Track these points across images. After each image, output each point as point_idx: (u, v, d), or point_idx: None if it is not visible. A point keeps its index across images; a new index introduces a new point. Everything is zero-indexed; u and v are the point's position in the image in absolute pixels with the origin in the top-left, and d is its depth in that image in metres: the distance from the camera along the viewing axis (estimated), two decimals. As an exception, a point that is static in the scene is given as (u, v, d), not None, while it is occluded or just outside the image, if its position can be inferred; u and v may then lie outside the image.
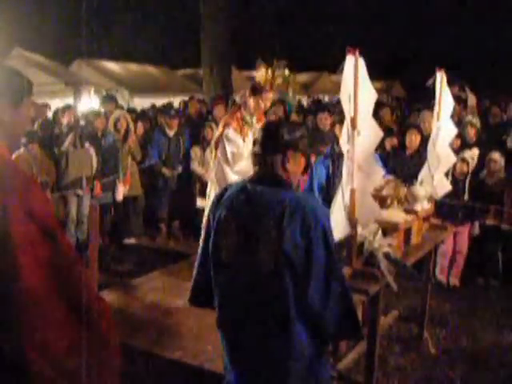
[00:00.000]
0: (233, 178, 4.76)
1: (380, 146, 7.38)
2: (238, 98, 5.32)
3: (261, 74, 4.76)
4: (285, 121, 2.91)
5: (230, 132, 4.94)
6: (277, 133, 2.62)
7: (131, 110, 11.32)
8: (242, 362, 2.71)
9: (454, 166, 6.58)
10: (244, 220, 2.58)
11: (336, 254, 2.57)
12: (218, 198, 2.74)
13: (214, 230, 2.69)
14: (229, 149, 4.92)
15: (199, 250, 2.88)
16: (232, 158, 4.89)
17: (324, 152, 6.16)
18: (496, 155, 7.21)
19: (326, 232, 2.51)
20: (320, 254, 2.48)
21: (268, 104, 5.06)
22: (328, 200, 5.15)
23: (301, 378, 2.62)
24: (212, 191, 5.12)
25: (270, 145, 2.62)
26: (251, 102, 4.96)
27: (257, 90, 4.96)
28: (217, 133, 5.27)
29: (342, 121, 5.40)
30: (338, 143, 5.53)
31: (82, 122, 8.70)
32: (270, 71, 4.75)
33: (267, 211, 2.51)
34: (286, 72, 4.63)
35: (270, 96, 5.01)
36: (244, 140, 5.01)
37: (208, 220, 2.80)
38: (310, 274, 2.46)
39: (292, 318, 2.51)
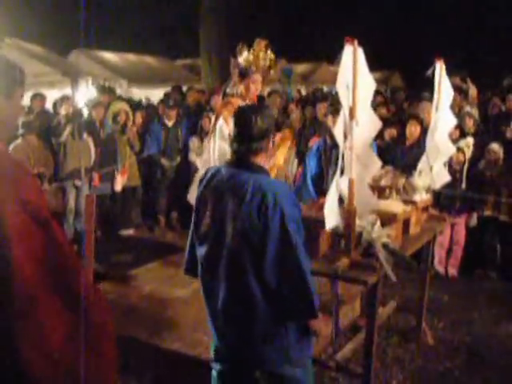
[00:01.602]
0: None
1: (379, 136, 7.38)
2: (228, 89, 5.29)
3: (244, 57, 4.75)
4: (256, 106, 3.02)
5: (220, 124, 4.92)
6: (250, 121, 2.77)
7: (129, 100, 11.27)
8: (217, 330, 2.89)
9: (451, 156, 6.56)
10: (216, 199, 2.78)
11: (297, 239, 2.65)
12: (201, 179, 2.96)
13: (195, 208, 2.96)
14: (217, 141, 4.92)
15: (191, 227, 3.08)
16: (218, 150, 4.88)
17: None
18: (495, 146, 7.20)
19: (284, 214, 2.62)
20: (275, 235, 2.61)
21: (259, 86, 5.01)
22: (320, 191, 5.15)
23: (262, 348, 2.76)
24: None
25: (244, 133, 2.79)
26: (241, 87, 4.93)
27: (244, 74, 4.92)
28: (211, 124, 5.28)
29: (334, 111, 5.39)
30: (330, 134, 5.51)
31: (84, 112, 8.66)
32: (251, 53, 4.75)
33: (234, 192, 2.70)
34: (270, 53, 4.61)
35: (258, 77, 4.96)
36: None
37: (196, 198, 3.01)
38: (265, 252, 2.62)
39: (253, 293, 2.67)
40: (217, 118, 5.02)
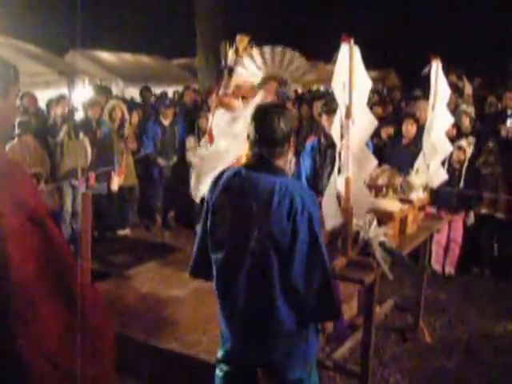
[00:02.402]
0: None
1: (376, 135, 7.38)
2: (220, 91, 5.29)
3: (229, 56, 4.78)
4: (278, 109, 2.93)
5: (219, 113, 4.92)
6: (273, 125, 2.69)
7: (125, 100, 11.26)
8: (235, 334, 2.87)
9: (451, 155, 6.56)
10: (237, 203, 2.71)
11: (322, 241, 2.66)
12: (215, 182, 2.87)
13: (211, 212, 2.83)
14: (227, 127, 4.91)
15: (199, 229, 3.01)
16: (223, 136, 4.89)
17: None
18: (491, 144, 7.20)
19: (312, 218, 2.62)
20: (304, 239, 2.60)
21: (246, 82, 5.04)
22: (315, 191, 5.14)
23: (286, 355, 2.76)
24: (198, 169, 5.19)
25: (268, 137, 2.71)
26: (232, 86, 4.94)
27: (232, 71, 4.95)
28: (209, 122, 5.27)
29: (328, 110, 5.38)
30: (324, 134, 5.51)
31: (81, 112, 8.63)
32: (235, 50, 4.78)
33: (258, 195, 2.63)
34: (254, 49, 4.66)
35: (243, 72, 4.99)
36: (236, 120, 5.00)
37: (206, 202, 2.92)
38: (294, 257, 2.59)
39: (277, 296, 2.65)
40: (215, 108, 5.02)
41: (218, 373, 3.03)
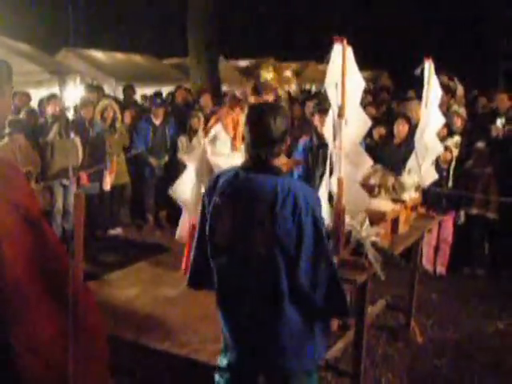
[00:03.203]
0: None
1: (368, 135, 7.39)
2: (238, 93, 5.30)
3: (269, 76, 4.80)
4: (273, 107, 2.89)
5: (218, 128, 4.93)
6: (270, 124, 2.65)
7: (117, 99, 11.23)
8: (241, 341, 2.81)
9: (438, 155, 6.58)
10: (238, 205, 2.66)
11: (326, 238, 2.66)
12: (212, 184, 2.82)
13: (209, 215, 2.77)
14: (211, 145, 4.93)
15: (196, 234, 2.96)
16: (211, 153, 4.90)
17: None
18: (481, 144, 7.23)
19: (316, 217, 2.60)
20: (310, 238, 2.58)
21: None
22: None
23: (295, 355, 2.73)
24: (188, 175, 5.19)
25: (265, 137, 2.67)
26: (252, 99, 4.94)
27: (258, 91, 4.94)
28: (209, 124, 5.29)
29: (320, 110, 5.40)
30: (316, 134, 5.52)
31: (72, 111, 8.60)
32: (275, 74, 4.80)
33: (260, 197, 2.59)
34: (289, 73, 4.66)
35: (269, 98, 4.98)
36: (235, 138, 5.02)
37: (203, 207, 2.86)
38: (300, 257, 2.57)
39: (284, 297, 2.62)
40: (216, 122, 5.03)
41: (219, 379, 2.99)
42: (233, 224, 2.68)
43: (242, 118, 4.90)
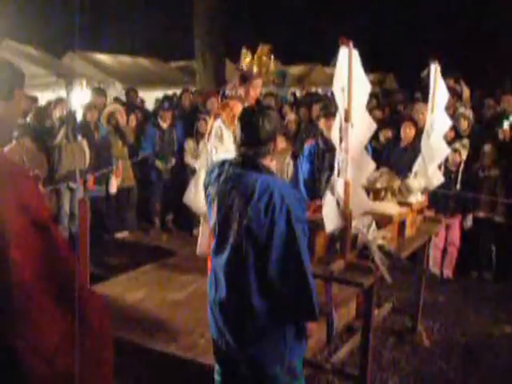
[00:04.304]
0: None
1: (374, 138, 7.39)
2: (227, 90, 5.28)
3: (247, 61, 4.76)
4: (262, 109, 3.03)
5: (218, 124, 4.91)
6: (258, 125, 2.80)
7: (123, 103, 11.27)
8: (214, 329, 2.93)
9: (447, 157, 6.57)
10: (222, 197, 2.81)
11: (301, 240, 2.68)
12: (209, 175, 3.00)
13: (208, 202, 2.99)
14: (214, 141, 4.90)
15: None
16: (215, 150, 4.87)
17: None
18: (489, 147, 7.21)
19: (291, 215, 2.65)
20: (281, 235, 2.64)
21: (258, 91, 5.03)
22: (313, 196, 5.12)
23: (260, 350, 2.77)
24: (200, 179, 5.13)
25: (253, 137, 2.82)
26: (241, 91, 4.94)
27: (246, 78, 4.91)
28: (209, 125, 5.27)
29: (326, 114, 5.38)
30: (322, 137, 5.51)
31: (79, 114, 8.63)
32: (254, 58, 4.78)
33: (241, 190, 2.73)
34: (272, 59, 4.63)
35: (259, 82, 4.97)
36: (234, 131, 4.97)
37: (205, 193, 3.05)
38: (270, 252, 2.64)
39: (253, 290, 2.70)
40: (214, 119, 5.02)
41: (217, 378, 3.04)
42: (218, 213, 2.84)
43: (238, 109, 4.80)
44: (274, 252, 2.63)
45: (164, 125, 8.87)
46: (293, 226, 2.64)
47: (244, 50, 4.92)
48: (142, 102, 12.22)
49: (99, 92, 10.13)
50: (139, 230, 8.93)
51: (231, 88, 5.08)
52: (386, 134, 7.89)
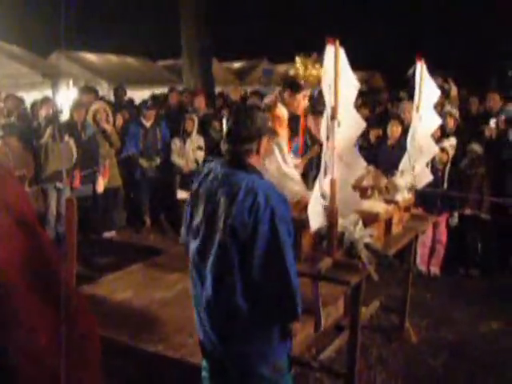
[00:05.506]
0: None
1: (363, 137, 7.40)
2: (267, 100, 4.95)
3: (297, 68, 4.60)
4: (249, 108, 3.06)
5: (277, 141, 4.62)
6: (240, 122, 2.85)
7: (110, 102, 11.22)
8: (203, 324, 2.91)
9: (434, 156, 6.60)
10: (209, 196, 2.83)
11: (285, 240, 2.69)
12: (198, 174, 3.04)
13: (190, 200, 3.02)
14: (281, 156, 4.66)
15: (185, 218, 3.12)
16: (283, 159, 4.67)
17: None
18: (475, 145, 7.26)
19: (275, 215, 2.66)
20: (265, 234, 2.65)
21: (306, 100, 4.74)
22: None
23: (243, 349, 2.78)
24: None
25: (234, 134, 2.86)
26: (291, 100, 4.62)
27: (298, 87, 4.61)
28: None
29: (313, 112, 5.35)
30: (310, 135, 5.49)
31: (65, 114, 8.58)
32: (307, 66, 4.63)
33: (227, 189, 2.74)
34: (314, 71, 4.51)
35: (308, 93, 4.74)
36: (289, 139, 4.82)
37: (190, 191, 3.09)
38: (254, 251, 2.64)
39: (236, 289, 2.70)
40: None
41: (204, 374, 3.04)
42: (204, 212, 2.85)
43: (283, 114, 4.64)
44: (257, 252, 2.64)
45: (147, 124, 8.83)
46: (276, 227, 2.65)
47: (298, 59, 4.72)
48: (131, 101, 12.16)
49: (88, 90, 10.07)
50: (127, 229, 8.89)
51: (274, 96, 4.84)
52: (375, 133, 7.90)
